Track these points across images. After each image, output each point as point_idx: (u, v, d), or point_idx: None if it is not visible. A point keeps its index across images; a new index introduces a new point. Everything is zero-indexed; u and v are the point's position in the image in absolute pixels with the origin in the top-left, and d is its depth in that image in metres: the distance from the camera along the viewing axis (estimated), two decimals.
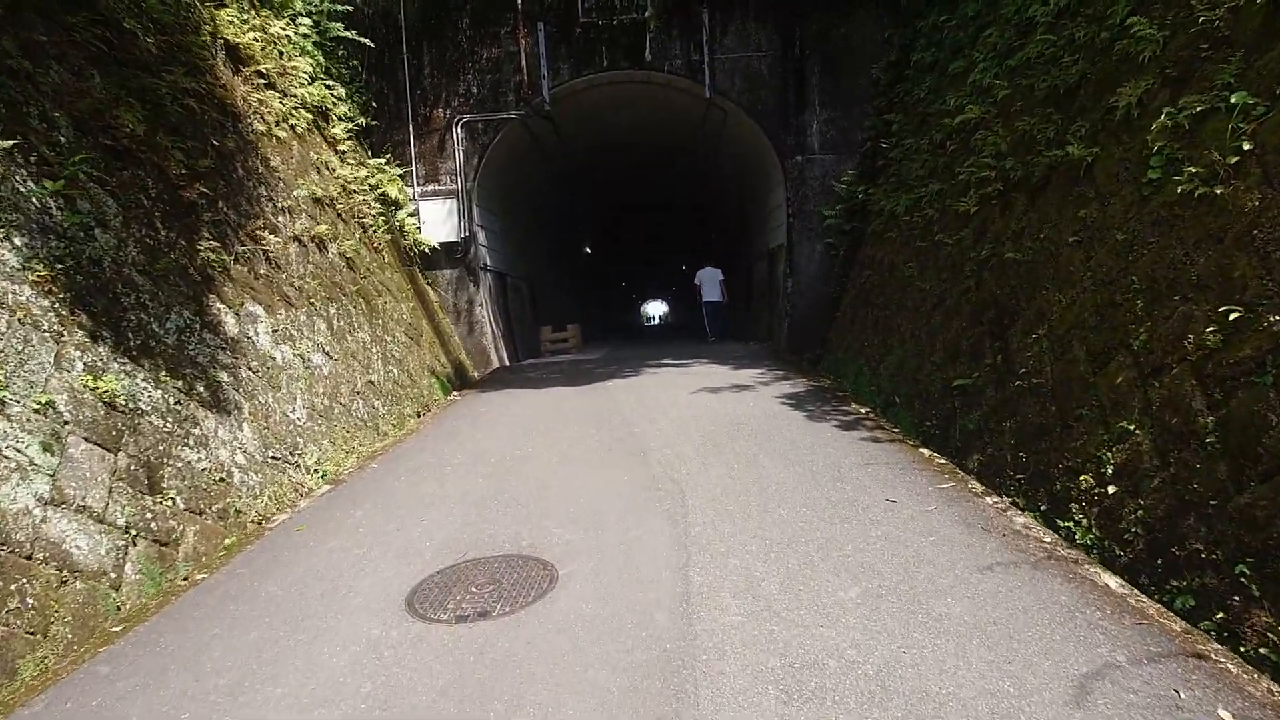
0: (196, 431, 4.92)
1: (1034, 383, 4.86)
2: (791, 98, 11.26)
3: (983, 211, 6.45)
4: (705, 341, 15.67)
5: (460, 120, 11.44)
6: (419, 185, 11.55)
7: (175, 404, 4.82)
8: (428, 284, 11.40)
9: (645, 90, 12.24)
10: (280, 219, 7.47)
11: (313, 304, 7.43)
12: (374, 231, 9.88)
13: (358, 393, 7.52)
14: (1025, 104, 6.12)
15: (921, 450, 5.44)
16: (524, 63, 11.16)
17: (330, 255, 8.29)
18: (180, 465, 4.65)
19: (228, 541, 4.69)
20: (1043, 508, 4.32)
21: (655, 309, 70.37)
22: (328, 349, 7.30)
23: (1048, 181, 5.48)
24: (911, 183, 8.47)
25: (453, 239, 11.41)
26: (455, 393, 9.92)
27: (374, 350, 8.34)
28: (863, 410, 6.87)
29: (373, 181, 10.41)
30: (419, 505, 4.83)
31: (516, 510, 4.55)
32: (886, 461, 5.08)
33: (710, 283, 16.02)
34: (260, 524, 4.90)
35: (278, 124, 8.24)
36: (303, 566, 4.01)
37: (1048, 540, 3.78)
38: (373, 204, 10.12)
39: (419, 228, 11.32)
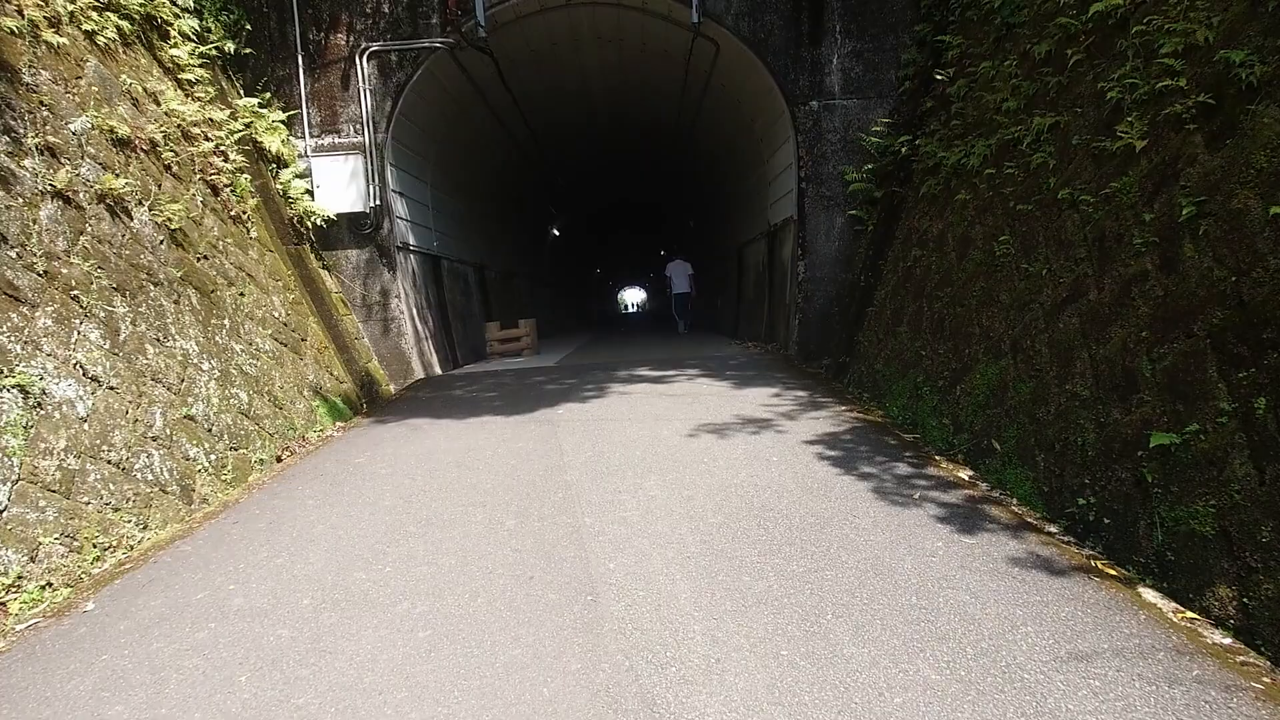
0: None
1: None
2: (805, 24, 8.59)
3: (1164, 143, 3.87)
4: (676, 332, 16.25)
5: (366, 50, 8.60)
6: (313, 136, 8.72)
7: None
8: (324, 269, 8.61)
9: (614, 18, 9.49)
10: (27, 163, 4.67)
11: (76, 299, 4.65)
12: (232, 194, 7.06)
13: (155, 438, 4.76)
14: None
15: (1142, 593, 2.84)
16: None
17: (134, 225, 5.50)
18: None
19: None
20: None
21: (632, 296, 67.60)
22: (96, 371, 4.54)
23: None
24: (992, 121, 5.89)
25: (358, 209, 8.61)
26: (349, 420, 7.18)
27: (205, 366, 5.58)
28: (958, 473, 4.28)
29: (238, 126, 7.57)
30: None
31: None
32: (1104, 641, 2.47)
33: (679, 275, 16.48)
34: None
35: (52, 25, 5.41)
36: None
37: None
38: (234, 157, 7.28)
39: (310, 193, 8.50)
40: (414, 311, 9.32)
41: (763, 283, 11.46)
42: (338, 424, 6.91)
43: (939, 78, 7.19)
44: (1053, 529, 3.53)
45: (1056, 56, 5.22)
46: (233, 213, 7.01)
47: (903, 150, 7.60)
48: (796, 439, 4.89)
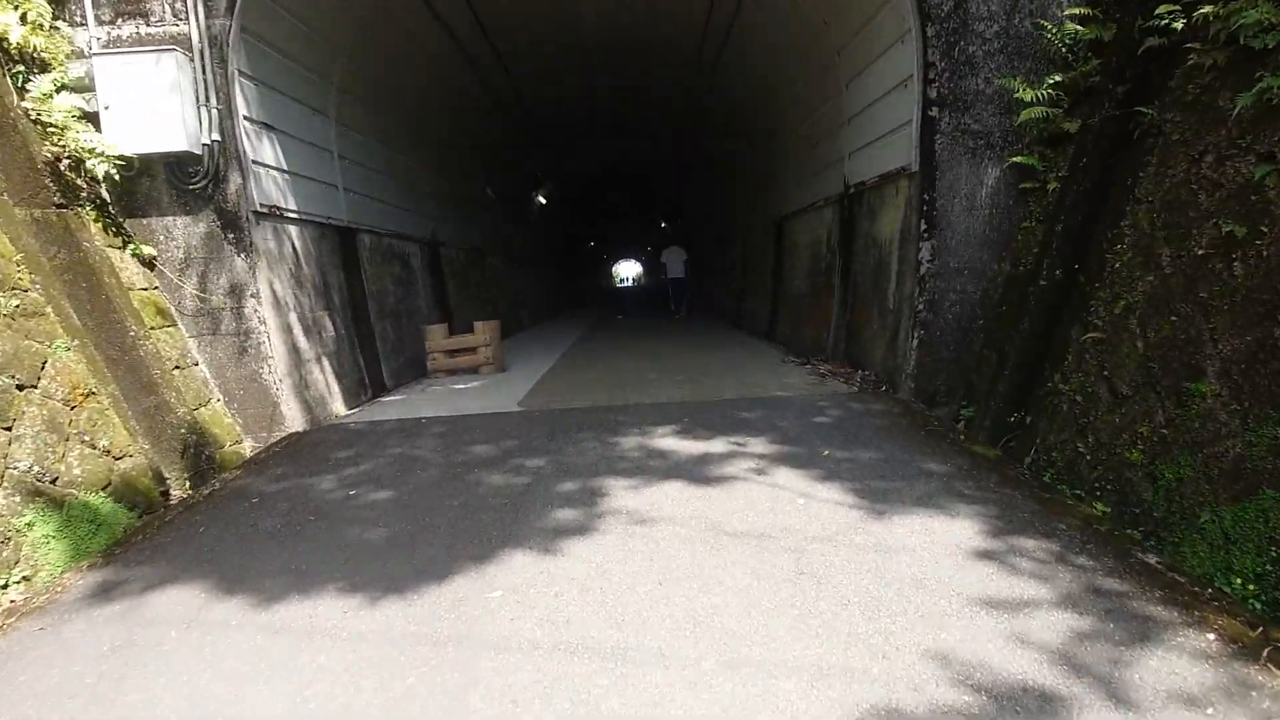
0: None
1: None
2: None
3: None
4: (672, 318, 16.29)
5: None
6: (99, 22, 5.10)
7: None
8: (125, 250, 5.05)
9: None
10: None
11: None
12: None
13: None
14: None
15: None
16: None
17: None
18: None
19: None
20: None
21: (627, 269, 63.64)
22: None
23: None
24: None
25: (179, 147, 5.02)
26: (119, 539, 3.67)
27: None
28: None
29: None
30: None
31: None
32: None
33: (675, 262, 16.94)
34: None
35: None
36: None
37: None
38: None
39: (91, 117, 4.92)
40: (291, 318, 5.78)
41: (829, 271, 7.92)
42: (82, 565, 3.40)
43: None
44: None
45: None
46: None
47: (1135, 35, 4.03)
48: None
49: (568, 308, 25.56)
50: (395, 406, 6.34)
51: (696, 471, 3.88)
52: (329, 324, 6.44)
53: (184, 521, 3.66)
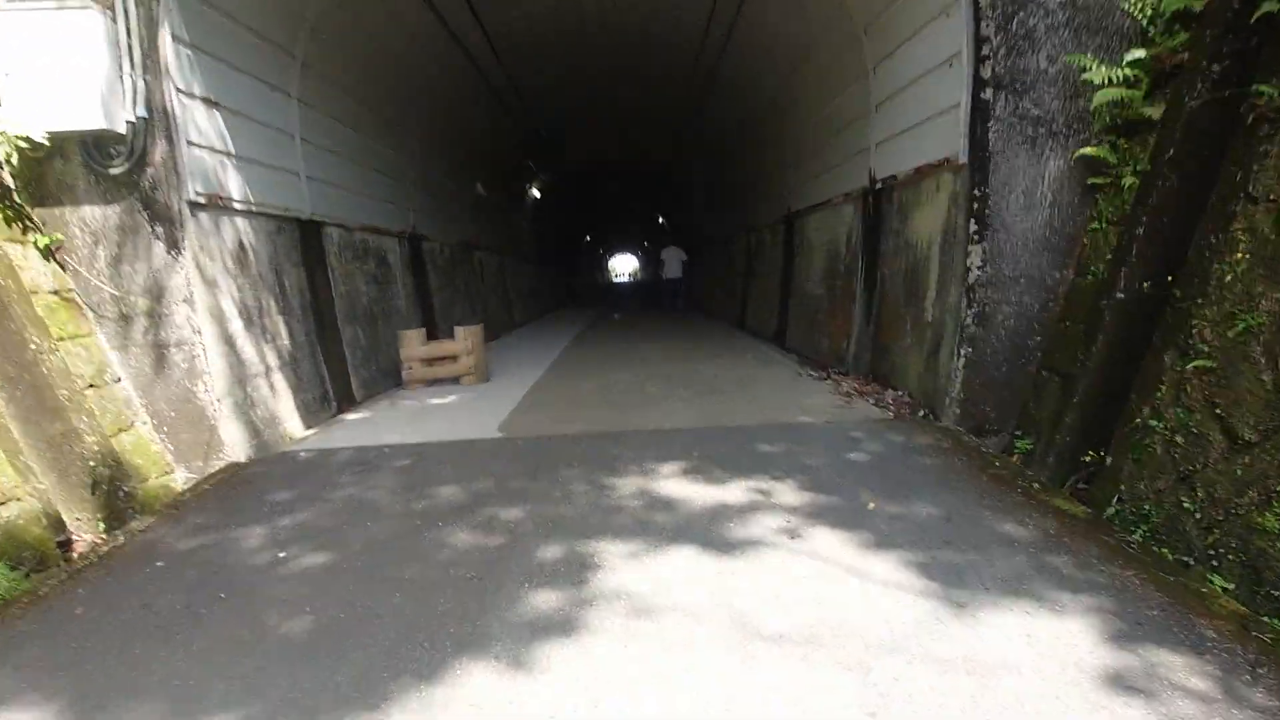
0: None
1: None
2: None
3: None
4: (671, 314, 16.75)
5: None
6: None
7: None
8: (28, 242, 4.24)
9: None
10: None
11: None
12: None
13: None
14: None
15: None
16: None
17: None
18: None
19: None
20: None
21: (624, 264, 62.68)
22: None
23: None
24: None
25: (98, 125, 4.21)
26: None
27: None
28: None
29: None
30: None
31: None
32: None
33: (673, 261, 17.73)
34: None
35: None
36: None
37: None
38: None
39: None
40: (234, 326, 4.98)
41: (849, 274, 7.16)
42: None
43: None
44: None
45: None
46: None
47: None
48: None
49: (562, 304, 24.76)
50: (359, 428, 5.55)
51: (713, 532, 3.11)
52: (285, 331, 5.64)
53: (60, 597, 2.87)
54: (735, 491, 3.58)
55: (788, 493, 3.54)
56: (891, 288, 6.04)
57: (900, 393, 5.51)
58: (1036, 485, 3.56)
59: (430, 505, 3.59)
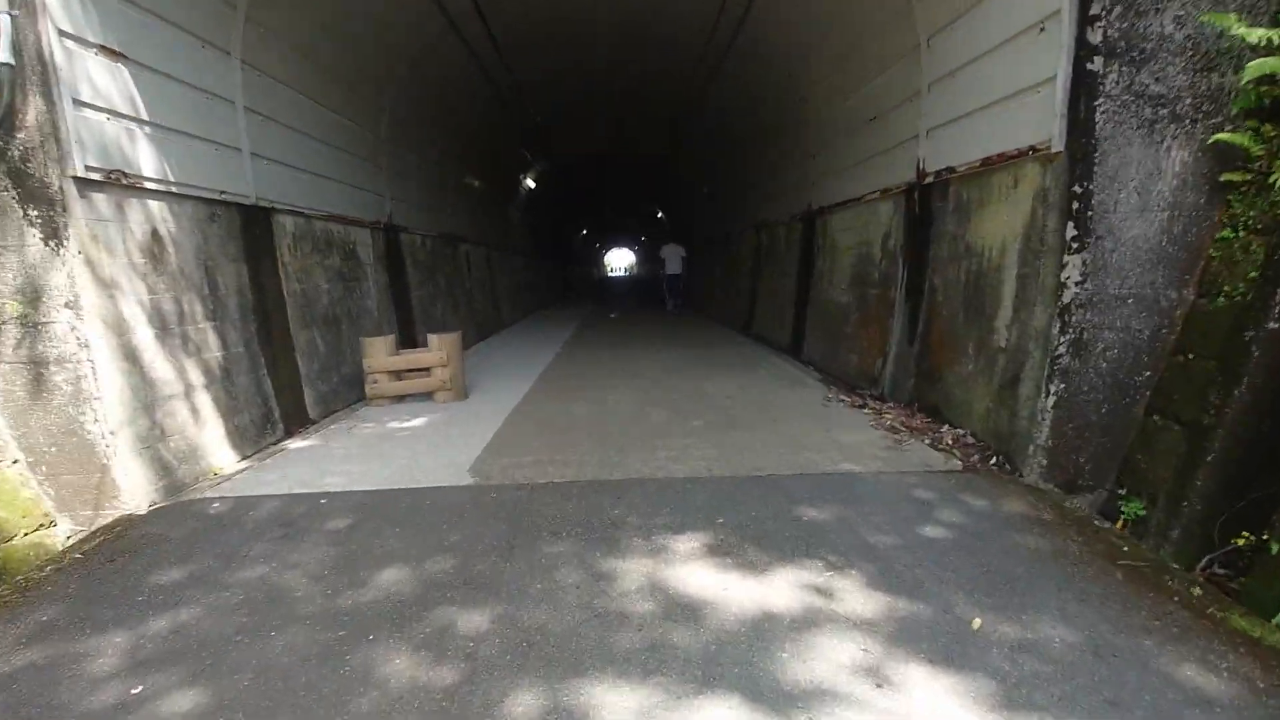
0: None
1: None
2: None
3: None
4: (666, 310, 17.08)
5: None
6: None
7: None
8: None
9: None
10: None
11: None
12: None
13: None
14: None
15: None
16: None
17: None
18: None
19: None
20: None
21: (620, 259, 61.50)
22: None
23: None
24: None
25: None
26: None
27: None
28: None
29: None
30: None
31: None
32: None
33: (673, 258, 17.36)
34: None
35: None
36: None
37: None
38: None
39: None
40: (139, 336, 3.98)
41: (885, 282, 6.20)
42: None
43: None
44: None
45: None
46: None
47: None
48: None
49: (555, 301, 23.76)
50: (300, 462, 4.55)
51: (759, 668, 2.15)
52: (215, 341, 4.64)
53: None
54: (782, 588, 2.62)
55: (854, 593, 2.58)
56: (946, 301, 5.08)
57: (962, 432, 4.55)
58: (1196, 590, 2.61)
59: (364, 601, 2.61)
